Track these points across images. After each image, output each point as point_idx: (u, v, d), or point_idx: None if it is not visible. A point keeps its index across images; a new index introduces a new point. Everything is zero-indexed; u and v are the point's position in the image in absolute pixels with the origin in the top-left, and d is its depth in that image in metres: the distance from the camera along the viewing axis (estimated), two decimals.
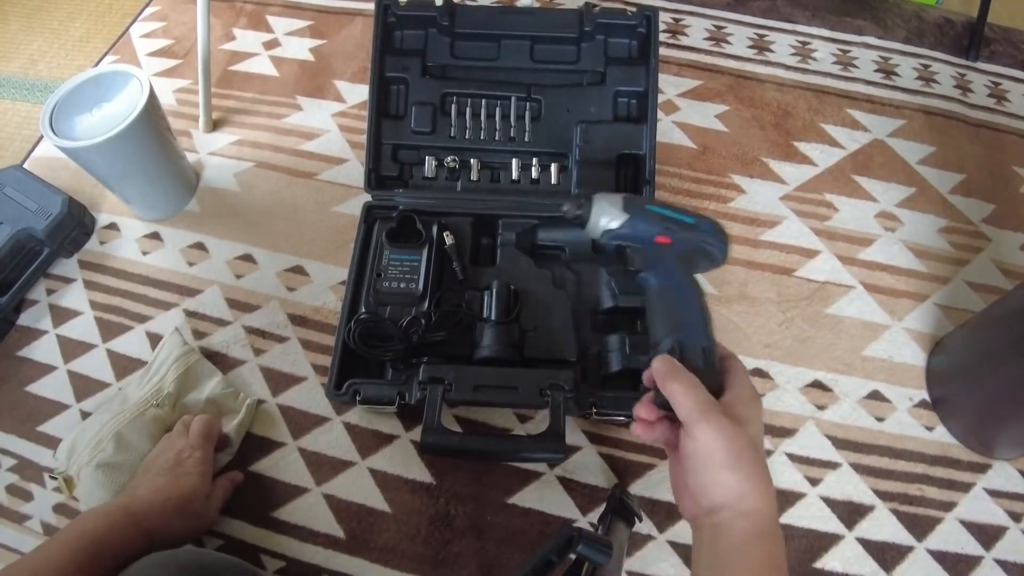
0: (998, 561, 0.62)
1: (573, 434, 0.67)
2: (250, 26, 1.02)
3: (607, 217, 0.55)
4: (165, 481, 0.57)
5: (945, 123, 0.90)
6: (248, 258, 0.80)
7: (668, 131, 0.88)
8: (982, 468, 0.66)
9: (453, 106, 0.75)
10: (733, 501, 0.39)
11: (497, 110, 0.75)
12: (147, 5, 1.07)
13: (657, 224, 0.54)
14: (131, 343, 0.74)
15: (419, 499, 0.65)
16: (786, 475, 0.66)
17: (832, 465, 0.66)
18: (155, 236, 0.82)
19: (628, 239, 0.55)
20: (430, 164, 0.75)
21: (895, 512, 0.64)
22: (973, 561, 0.62)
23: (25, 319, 0.77)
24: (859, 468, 0.66)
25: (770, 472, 0.41)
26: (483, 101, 0.75)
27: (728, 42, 0.98)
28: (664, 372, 0.43)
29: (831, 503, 0.64)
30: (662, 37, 0.98)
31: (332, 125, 0.90)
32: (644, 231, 0.54)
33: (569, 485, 0.65)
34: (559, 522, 0.63)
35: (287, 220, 0.82)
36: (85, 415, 0.69)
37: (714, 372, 0.46)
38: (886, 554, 0.62)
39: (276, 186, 0.85)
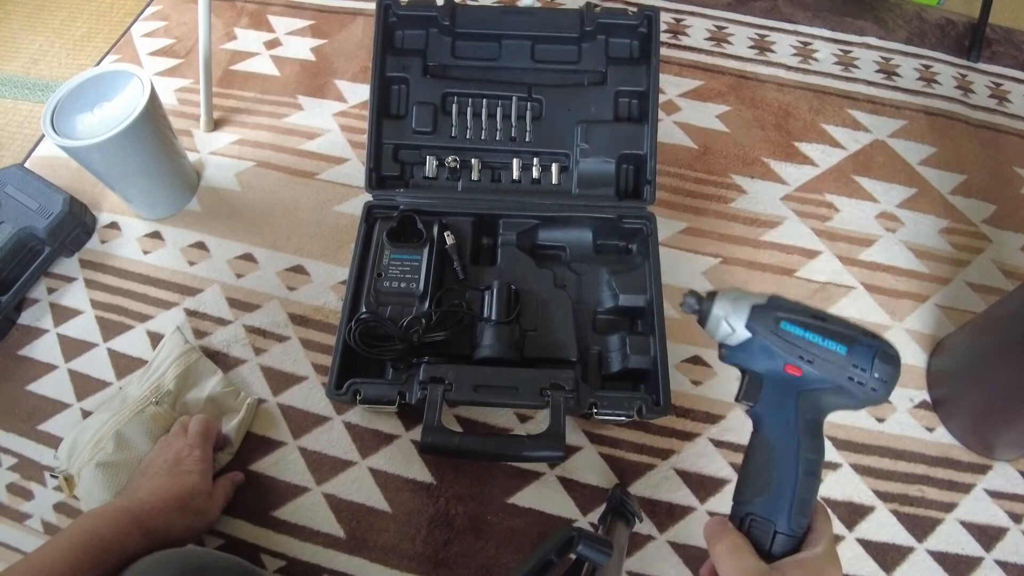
0: (998, 562, 0.62)
1: (573, 434, 0.67)
2: (251, 26, 1.02)
3: (726, 328, 0.43)
4: (165, 480, 0.57)
5: (946, 124, 0.90)
6: (249, 257, 0.80)
7: (669, 131, 0.88)
8: (982, 469, 0.66)
9: (454, 106, 0.75)
10: None
11: (498, 110, 0.75)
12: (148, 5, 1.07)
13: (789, 350, 0.42)
14: (132, 342, 0.74)
15: (419, 499, 0.65)
16: None
17: (832, 466, 0.66)
18: (156, 235, 0.82)
19: (747, 363, 0.44)
20: (431, 164, 0.75)
21: (895, 513, 0.64)
22: (973, 562, 0.62)
23: (26, 318, 0.77)
24: (859, 469, 0.66)
25: None
26: (484, 101, 0.75)
27: (729, 42, 0.98)
28: (710, 533, 0.40)
29: (831, 504, 0.64)
30: (663, 37, 0.98)
31: (333, 125, 0.90)
32: (769, 357, 0.42)
33: (569, 485, 0.65)
34: (559, 522, 0.63)
35: (288, 219, 0.82)
36: (86, 414, 0.69)
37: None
38: (886, 555, 0.62)
39: (277, 185, 0.85)
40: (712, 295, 0.44)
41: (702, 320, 0.45)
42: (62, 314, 0.77)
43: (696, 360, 0.72)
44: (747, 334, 0.43)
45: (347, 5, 1.03)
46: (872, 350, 0.41)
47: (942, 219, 0.82)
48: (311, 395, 0.70)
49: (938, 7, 1.04)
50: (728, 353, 0.45)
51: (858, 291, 0.76)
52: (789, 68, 0.95)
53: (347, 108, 0.92)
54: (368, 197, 0.73)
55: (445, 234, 0.70)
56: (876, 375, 0.40)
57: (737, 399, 0.44)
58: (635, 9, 0.73)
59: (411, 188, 0.75)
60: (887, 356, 0.41)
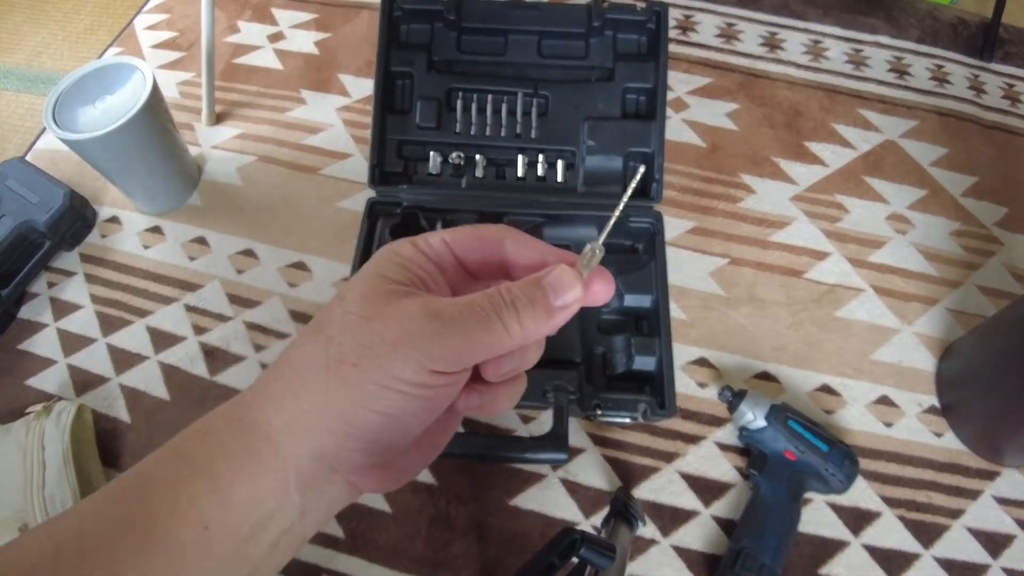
0: (1005, 570, 0.61)
1: (576, 436, 0.67)
2: (255, 19, 1.01)
3: (749, 416, 0.61)
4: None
5: (958, 124, 0.89)
6: (250, 253, 0.79)
7: (677, 129, 0.87)
8: (991, 475, 0.65)
9: (459, 101, 0.74)
10: None
11: (503, 106, 0.74)
12: None
13: (791, 440, 0.59)
14: (131, 337, 0.73)
15: (420, 499, 0.64)
16: None
17: None
18: (156, 230, 0.81)
19: (759, 443, 0.61)
20: (435, 160, 0.74)
21: (902, 519, 0.63)
22: (980, 569, 0.61)
23: (26, 312, 0.76)
24: (866, 474, 0.65)
25: None
26: (489, 96, 0.74)
27: (739, 39, 0.97)
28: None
29: (837, 509, 0.63)
30: (672, 33, 0.96)
31: (336, 120, 0.90)
32: (775, 442, 0.60)
33: (572, 487, 0.65)
34: (561, 525, 0.63)
35: (289, 215, 0.82)
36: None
37: None
38: (892, 561, 0.61)
39: (279, 181, 0.85)
40: (743, 392, 0.63)
41: (732, 408, 0.63)
42: (62, 308, 0.76)
43: (702, 362, 0.71)
44: (764, 423, 0.60)
45: None
46: (843, 454, 0.59)
47: (953, 221, 0.81)
48: None
49: (951, 6, 1.03)
50: (747, 435, 0.62)
51: (867, 293, 0.75)
52: (799, 66, 0.94)
53: (351, 103, 0.91)
54: (371, 193, 0.73)
55: None
56: (844, 472, 0.58)
57: (746, 468, 0.62)
58: (644, 5, 0.72)
59: (414, 184, 0.74)
60: (853, 460, 0.59)
